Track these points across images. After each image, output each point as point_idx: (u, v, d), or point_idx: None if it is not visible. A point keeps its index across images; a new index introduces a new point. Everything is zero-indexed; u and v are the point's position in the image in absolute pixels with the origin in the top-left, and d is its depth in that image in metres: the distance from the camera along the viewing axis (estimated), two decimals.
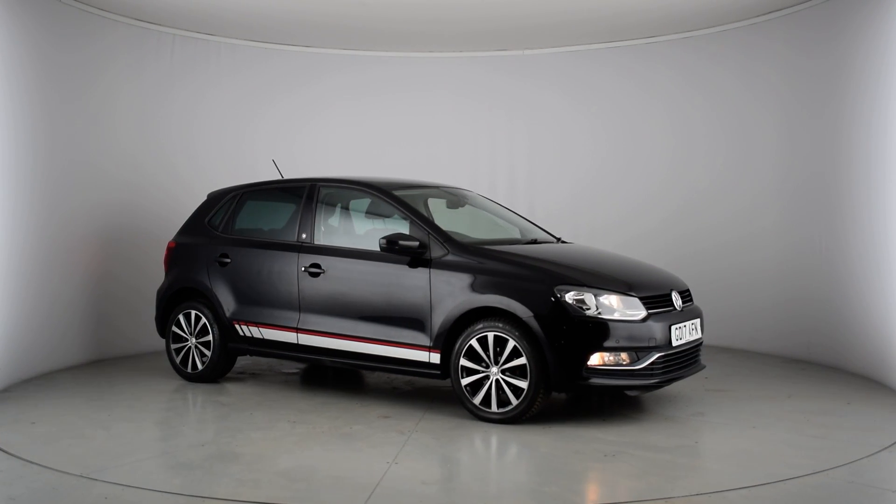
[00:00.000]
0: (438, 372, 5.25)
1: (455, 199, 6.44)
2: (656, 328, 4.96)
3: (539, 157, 8.92)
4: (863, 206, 6.51)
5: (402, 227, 5.56)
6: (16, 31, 6.16)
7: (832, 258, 6.93)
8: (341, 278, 5.67)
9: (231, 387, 6.25)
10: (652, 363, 4.91)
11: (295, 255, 5.91)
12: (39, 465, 4.23)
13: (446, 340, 5.18)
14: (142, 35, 7.66)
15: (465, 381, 5.10)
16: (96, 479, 3.98)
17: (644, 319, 4.94)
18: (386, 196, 5.77)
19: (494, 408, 5.01)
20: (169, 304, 6.57)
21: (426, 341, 5.26)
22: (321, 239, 5.91)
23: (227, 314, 6.18)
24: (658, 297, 5.17)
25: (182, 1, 7.13)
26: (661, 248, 8.25)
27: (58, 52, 6.74)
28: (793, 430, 4.91)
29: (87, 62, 7.11)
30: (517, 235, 6.24)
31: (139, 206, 7.68)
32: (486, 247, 5.41)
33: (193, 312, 6.36)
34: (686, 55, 8.26)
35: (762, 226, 7.75)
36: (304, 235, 5.95)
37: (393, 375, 6.53)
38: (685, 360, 5.28)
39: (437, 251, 5.32)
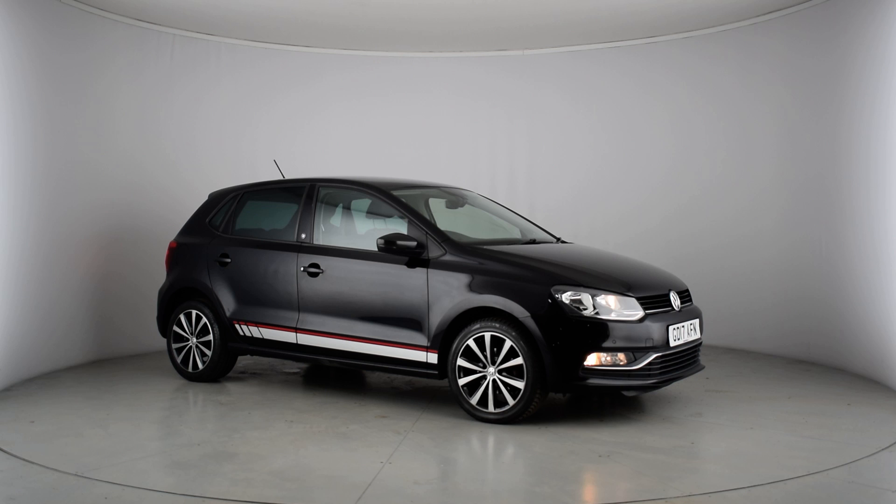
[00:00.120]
0: (436, 372, 5.25)
1: (455, 199, 6.44)
2: (654, 328, 4.95)
3: (539, 157, 8.91)
4: (863, 207, 6.49)
5: (401, 227, 5.57)
6: (16, 31, 6.17)
7: (832, 258, 6.91)
8: (340, 278, 5.68)
9: (231, 386, 6.26)
10: (649, 363, 4.90)
11: (294, 255, 5.91)
12: (34, 463, 4.24)
13: (444, 340, 5.18)
14: (142, 35, 7.67)
15: (462, 382, 5.10)
16: (90, 478, 3.99)
17: (641, 320, 4.93)
18: (384, 196, 5.78)
19: (491, 408, 5.01)
20: (170, 303, 6.59)
21: (424, 341, 5.26)
22: (320, 239, 5.92)
23: (228, 314, 6.19)
24: (656, 297, 5.16)
25: (182, 1, 7.14)
26: (661, 247, 8.24)
27: (58, 52, 6.75)
28: (791, 431, 4.89)
29: (87, 62, 7.13)
30: (517, 235, 6.24)
31: (139, 206, 7.70)
32: (484, 247, 5.41)
33: (194, 312, 6.38)
34: (686, 55, 8.24)
35: (762, 226, 7.73)
36: (303, 235, 5.96)
37: (393, 375, 6.53)
38: (684, 361, 5.26)
39: (434, 251, 5.32)
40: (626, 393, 5.00)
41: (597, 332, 4.81)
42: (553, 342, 4.81)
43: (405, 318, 5.34)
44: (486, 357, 5.01)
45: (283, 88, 8.65)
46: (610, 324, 4.84)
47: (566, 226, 8.18)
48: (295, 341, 5.85)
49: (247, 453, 4.40)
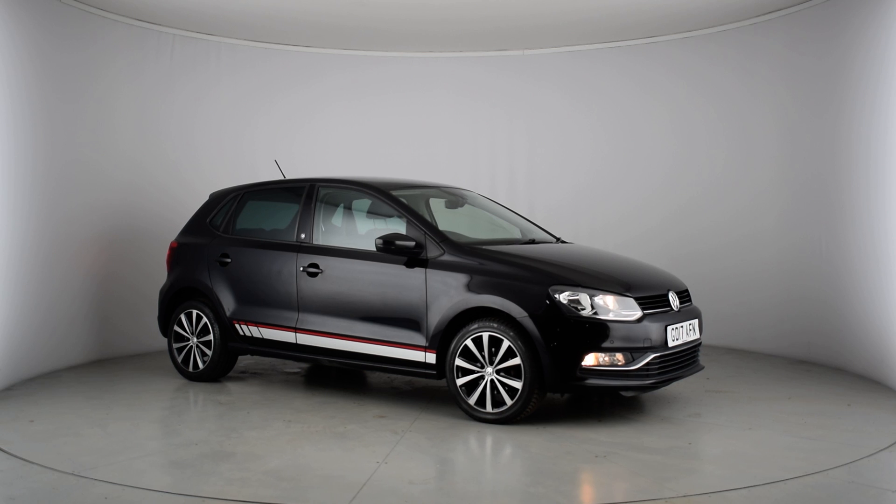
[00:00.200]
0: (434, 372, 5.25)
1: (454, 199, 6.44)
2: (652, 329, 4.94)
3: (539, 157, 8.91)
4: (863, 207, 6.48)
5: (400, 228, 5.56)
6: (16, 31, 6.18)
7: (832, 258, 6.90)
8: (339, 278, 5.68)
9: (232, 386, 6.27)
10: (647, 364, 4.89)
11: (294, 255, 5.92)
12: (31, 462, 4.25)
13: (442, 340, 5.18)
14: (142, 35, 7.68)
15: (460, 382, 5.09)
16: (86, 477, 3.99)
17: (639, 320, 4.92)
18: (383, 196, 5.78)
19: (489, 408, 5.00)
20: (171, 303, 6.60)
21: (422, 341, 5.26)
22: (320, 239, 5.92)
23: (228, 314, 6.19)
24: (654, 297, 5.16)
25: (182, 1, 7.15)
26: (661, 248, 8.23)
27: (58, 52, 6.76)
28: (789, 431, 4.88)
29: (87, 62, 7.13)
30: (517, 235, 6.23)
31: (140, 206, 7.70)
32: (483, 247, 5.41)
33: (195, 312, 6.39)
34: (686, 55, 8.24)
35: (763, 226, 7.72)
36: (303, 235, 5.97)
37: (393, 375, 6.54)
38: (682, 361, 5.25)
39: (433, 251, 5.32)
40: (624, 393, 4.99)
41: (594, 333, 4.80)
42: (551, 342, 4.81)
43: (404, 319, 5.34)
44: (484, 357, 5.01)
45: (283, 88, 8.65)
46: (608, 324, 4.83)
47: (566, 226, 8.18)
48: (294, 341, 5.86)
49: (243, 453, 4.41)
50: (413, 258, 5.36)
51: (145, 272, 7.61)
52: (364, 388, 6.28)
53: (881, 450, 4.49)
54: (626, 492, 3.83)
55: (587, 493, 3.94)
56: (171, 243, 6.80)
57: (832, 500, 3.72)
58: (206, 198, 7.06)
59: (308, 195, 6.08)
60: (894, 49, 6.04)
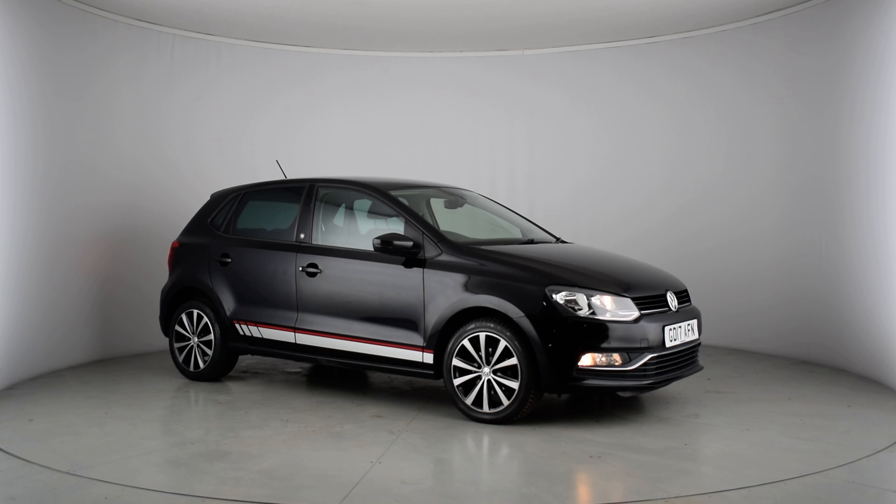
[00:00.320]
0: (432, 372, 5.25)
1: (454, 198, 6.44)
2: (649, 329, 4.93)
3: (539, 157, 8.90)
4: (863, 207, 6.46)
5: (399, 228, 5.56)
6: (16, 31, 6.19)
7: (832, 258, 6.88)
8: (338, 278, 5.68)
9: (233, 385, 6.28)
10: (644, 364, 4.88)
11: (293, 254, 5.92)
12: (26, 460, 4.26)
13: (439, 340, 5.18)
14: (142, 35, 7.69)
15: (457, 382, 5.09)
16: (81, 476, 4.01)
17: (637, 320, 4.91)
18: (382, 196, 5.78)
19: (486, 408, 5.00)
20: (172, 303, 6.62)
21: (420, 341, 5.26)
22: (319, 239, 5.92)
23: (228, 313, 6.20)
24: (652, 297, 5.14)
25: (182, 1, 7.15)
26: (661, 248, 8.22)
27: (58, 52, 6.77)
28: (787, 432, 4.86)
29: (87, 62, 7.15)
30: (517, 235, 6.23)
31: (139, 206, 7.71)
32: (481, 247, 5.40)
33: (195, 312, 6.40)
34: (686, 55, 8.22)
35: (763, 226, 7.71)
36: (302, 235, 5.97)
37: (394, 375, 6.53)
38: (681, 361, 5.24)
39: (430, 251, 5.32)
40: (621, 394, 4.98)
41: (591, 333, 4.80)
42: (547, 342, 4.80)
43: (401, 318, 5.34)
44: (481, 357, 5.00)
45: (283, 88, 8.66)
46: (605, 324, 4.82)
47: (566, 226, 8.17)
48: (294, 341, 5.86)
49: (239, 452, 4.42)
50: (411, 258, 5.36)
51: (145, 272, 7.63)
52: (364, 388, 6.29)
53: (880, 450, 4.47)
54: (619, 492, 3.83)
55: (579, 493, 3.92)
56: (173, 243, 6.81)
57: (832, 500, 3.72)
58: (205, 198, 7.07)
59: (308, 195, 6.08)
60: (894, 49, 6.02)
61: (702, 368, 5.58)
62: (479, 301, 5.04)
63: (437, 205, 6.33)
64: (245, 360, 7.31)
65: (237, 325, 6.16)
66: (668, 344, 5.01)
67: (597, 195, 8.70)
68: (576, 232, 8.17)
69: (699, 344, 5.55)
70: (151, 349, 7.66)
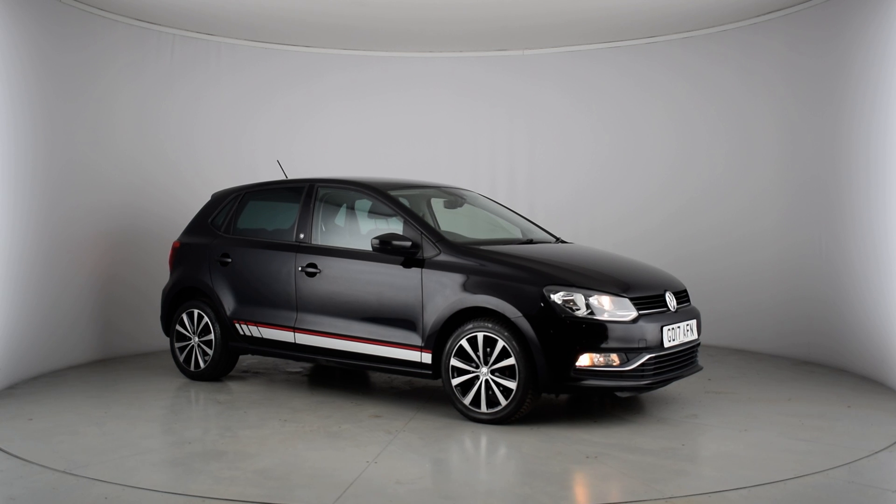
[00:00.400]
0: (430, 372, 5.25)
1: (453, 199, 6.44)
2: (647, 329, 4.92)
3: (539, 157, 8.89)
4: (863, 207, 6.45)
5: (398, 228, 5.56)
6: (16, 31, 6.20)
7: (832, 258, 6.87)
8: (337, 278, 5.69)
9: (233, 385, 6.29)
10: (642, 364, 4.87)
11: (292, 254, 5.93)
12: (23, 459, 4.28)
13: (437, 340, 5.18)
14: (142, 35, 7.69)
15: (455, 382, 5.09)
16: (76, 475, 4.01)
17: (635, 320, 4.90)
18: (380, 196, 5.78)
19: (484, 408, 5.00)
20: (173, 303, 6.63)
21: (418, 341, 5.26)
22: (318, 239, 5.93)
23: (228, 313, 6.21)
24: (650, 297, 5.13)
25: (182, 1, 7.16)
26: (661, 248, 8.21)
27: (58, 52, 6.78)
28: (785, 433, 4.85)
29: (87, 62, 7.15)
30: (517, 235, 6.23)
31: (139, 206, 7.72)
32: (479, 247, 5.40)
33: (196, 311, 6.41)
34: (686, 55, 8.21)
35: (763, 226, 7.70)
36: (301, 235, 5.97)
37: (394, 375, 6.53)
38: (679, 362, 5.23)
39: (429, 251, 5.32)
40: (619, 394, 4.97)
41: (589, 333, 4.79)
42: (545, 343, 4.79)
43: (400, 319, 5.34)
44: (478, 357, 5.00)
45: (284, 88, 8.66)
46: (602, 324, 4.81)
47: (566, 226, 8.17)
48: (293, 341, 5.87)
49: (235, 452, 4.42)
50: (409, 258, 5.35)
51: (145, 271, 7.63)
52: (364, 388, 6.29)
53: (880, 450, 4.46)
54: (613, 493, 3.82)
55: (572, 493, 3.92)
56: (174, 243, 6.83)
57: (832, 500, 3.72)
58: (206, 197, 7.08)
59: (307, 195, 6.09)
60: (894, 49, 6.01)
61: (701, 369, 5.57)
62: (477, 301, 5.04)
63: (437, 205, 6.33)
64: (246, 360, 7.31)
65: (237, 325, 6.17)
66: (666, 344, 5.01)
67: (597, 195, 8.69)
68: (576, 232, 8.17)
69: (698, 344, 5.54)
70: (153, 349, 7.66)
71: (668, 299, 5.25)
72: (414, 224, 5.47)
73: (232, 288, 6.23)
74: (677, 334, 5.15)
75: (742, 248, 7.86)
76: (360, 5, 7.27)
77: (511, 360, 4.88)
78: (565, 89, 8.80)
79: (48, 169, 6.63)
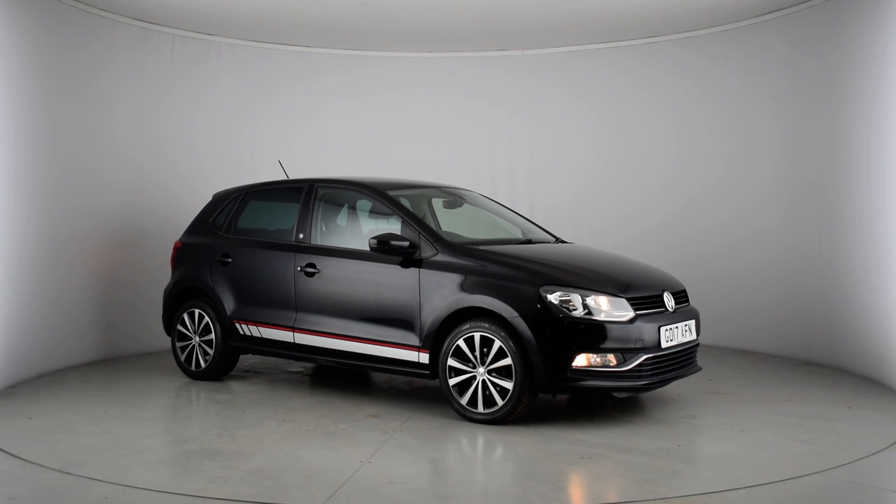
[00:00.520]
0: (427, 372, 5.25)
1: (453, 199, 6.44)
2: (645, 329, 4.91)
3: (539, 158, 8.88)
4: (863, 207, 6.44)
5: (396, 228, 5.56)
6: (16, 31, 6.22)
7: (833, 259, 6.85)
8: (336, 278, 5.69)
9: (234, 385, 6.30)
10: (639, 365, 4.86)
11: (292, 254, 5.93)
12: (20, 458, 4.29)
13: (435, 340, 5.18)
14: (142, 35, 7.70)
15: (452, 382, 5.08)
16: (71, 474, 4.02)
17: (632, 321, 4.89)
18: (379, 196, 5.78)
19: (481, 408, 4.99)
20: (174, 302, 6.65)
21: (415, 341, 5.25)
22: (318, 239, 5.93)
23: (228, 313, 6.22)
24: (648, 297, 5.12)
25: (182, 1, 7.17)
26: (662, 248, 8.20)
27: (58, 52, 6.79)
28: (783, 434, 4.83)
29: (87, 62, 7.17)
30: (517, 235, 6.22)
31: (140, 206, 7.73)
32: (477, 247, 5.39)
33: (197, 311, 6.42)
34: (686, 55, 8.20)
35: (763, 226, 7.68)
36: (301, 235, 5.98)
37: (394, 375, 6.52)
38: (677, 362, 5.21)
39: (427, 251, 5.32)
40: (617, 394, 4.95)
41: (585, 333, 4.78)
42: (541, 343, 4.78)
43: (398, 319, 5.34)
44: (475, 357, 4.99)
45: (283, 88, 8.66)
46: (599, 325, 4.80)
47: (566, 226, 8.16)
48: (292, 340, 5.87)
49: (231, 451, 4.42)
50: (407, 258, 5.35)
51: (145, 271, 7.64)
52: (364, 387, 6.29)
53: (880, 451, 4.45)
54: (605, 493, 3.82)
55: (564, 494, 3.90)
56: (176, 243, 6.84)
57: (832, 500, 3.71)
58: (206, 197, 7.10)
59: (307, 195, 6.09)
60: (894, 49, 5.99)
61: (700, 369, 5.55)
62: (474, 301, 5.03)
63: (437, 205, 6.33)
64: (248, 360, 7.32)
65: (237, 325, 6.18)
66: (664, 344, 4.99)
67: (597, 195, 8.68)
68: (576, 232, 8.16)
69: (697, 345, 5.53)
70: (154, 349, 7.67)
71: (666, 299, 5.24)
72: (412, 224, 5.47)
73: (232, 288, 6.24)
74: (675, 334, 5.13)
75: (743, 249, 7.84)
76: (360, 5, 7.28)
77: (508, 361, 4.87)
78: (565, 89, 8.79)
79: (48, 168, 6.64)
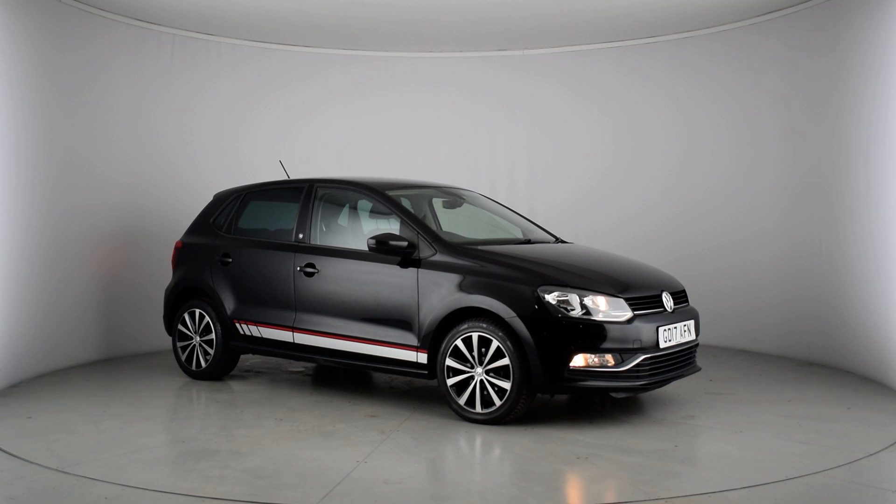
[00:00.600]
0: (426, 372, 5.24)
1: (452, 199, 6.44)
2: (643, 329, 4.90)
3: (540, 158, 8.88)
4: (863, 207, 6.43)
5: (396, 228, 5.56)
6: (16, 30, 6.23)
7: (833, 259, 6.84)
8: (335, 278, 5.69)
9: (234, 384, 6.31)
10: (637, 365, 4.85)
11: (291, 254, 5.93)
12: (18, 457, 4.29)
13: (433, 340, 5.18)
14: (142, 35, 7.71)
15: (450, 382, 5.08)
16: (68, 473, 4.03)
17: (630, 321, 4.88)
18: (378, 196, 5.78)
19: (479, 408, 4.99)
20: (175, 302, 6.66)
21: (414, 341, 5.25)
22: (317, 239, 5.93)
23: (229, 313, 6.23)
24: (646, 297, 5.11)
25: (182, 1, 7.17)
26: (663, 248, 8.19)
27: (58, 52, 6.80)
28: (781, 434, 4.82)
29: (86, 62, 7.17)
30: (517, 235, 6.22)
31: (140, 206, 7.74)
32: (475, 247, 5.39)
33: (198, 311, 6.43)
34: (687, 55, 8.19)
35: (764, 227, 7.67)
36: (300, 235, 5.98)
37: (393, 375, 6.52)
38: (676, 362, 5.20)
39: (425, 251, 5.31)
40: (615, 395, 4.94)
41: (583, 333, 4.77)
42: (539, 343, 4.78)
43: (396, 318, 5.34)
44: (473, 357, 4.99)
45: (283, 88, 8.66)
46: (597, 325, 4.79)
47: (567, 226, 8.15)
48: (292, 340, 5.88)
49: (227, 451, 4.43)
50: (406, 258, 5.35)
51: (146, 271, 7.65)
52: (364, 387, 6.29)
53: (879, 451, 4.44)
54: (600, 493, 3.82)
55: (559, 494, 3.89)
56: (177, 243, 6.85)
57: (832, 501, 3.70)
58: (206, 197, 7.11)
59: (306, 195, 6.09)
60: (894, 49, 5.98)
61: (699, 369, 5.54)
62: (472, 301, 5.03)
63: (437, 205, 6.33)
64: (250, 360, 7.33)
65: (238, 325, 6.18)
66: (662, 345, 4.98)
67: (598, 195, 8.67)
68: (577, 232, 8.15)
69: (697, 345, 5.51)
70: (155, 349, 7.68)
71: (664, 300, 5.23)
72: (410, 224, 5.47)
73: (232, 288, 6.25)
74: (674, 335, 5.12)
75: (743, 249, 7.83)
76: (360, 5, 7.28)
77: (506, 361, 4.87)
78: (566, 89, 8.78)
79: (48, 168, 6.65)
